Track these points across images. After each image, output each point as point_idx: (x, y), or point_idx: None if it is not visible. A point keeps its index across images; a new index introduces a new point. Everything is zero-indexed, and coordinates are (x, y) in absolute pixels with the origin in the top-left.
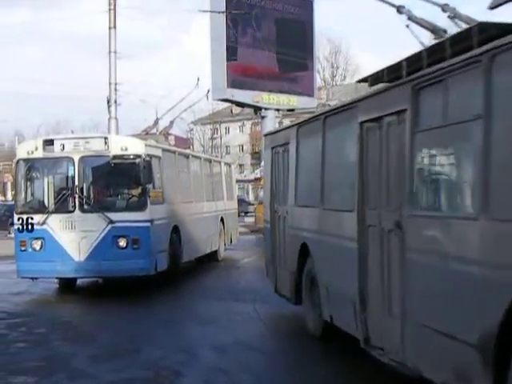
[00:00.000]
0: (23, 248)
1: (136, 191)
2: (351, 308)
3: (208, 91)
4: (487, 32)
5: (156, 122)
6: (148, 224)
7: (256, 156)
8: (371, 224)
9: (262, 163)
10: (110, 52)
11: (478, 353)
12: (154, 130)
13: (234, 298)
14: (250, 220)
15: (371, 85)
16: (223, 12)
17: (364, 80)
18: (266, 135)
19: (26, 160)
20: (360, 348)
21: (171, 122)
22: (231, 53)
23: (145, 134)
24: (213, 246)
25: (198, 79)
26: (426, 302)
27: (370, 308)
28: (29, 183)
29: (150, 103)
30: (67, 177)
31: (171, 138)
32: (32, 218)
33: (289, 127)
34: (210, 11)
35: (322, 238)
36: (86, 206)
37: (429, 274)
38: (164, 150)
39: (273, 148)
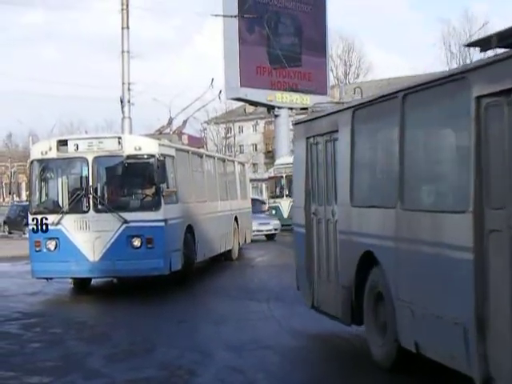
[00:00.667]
0: (38, 248)
1: (150, 191)
2: (459, 336)
3: (220, 92)
4: None
5: (170, 122)
6: (162, 223)
7: (269, 155)
8: (495, 229)
9: (277, 162)
10: (122, 52)
11: None
12: (168, 130)
13: (248, 296)
14: None
15: (487, 49)
16: (235, 16)
17: (477, 43)
18: (297, 124)
19: (40, 160)
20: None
21: (184, 122)
22: (244, 52)
23: (158, 134)
24: (227, 245)
25: (213, 80)
26: None
27: (495, 338)
28: (43, 184)
29: (163, 102)
30: (81, 177)
31: (185, 138)
32: (46, 219)
33: (336, 112)
34: (223, 15)
35: (402, 245)
36: (100, 206)
37: None
38: (178, 149)
39: (308, 138)
